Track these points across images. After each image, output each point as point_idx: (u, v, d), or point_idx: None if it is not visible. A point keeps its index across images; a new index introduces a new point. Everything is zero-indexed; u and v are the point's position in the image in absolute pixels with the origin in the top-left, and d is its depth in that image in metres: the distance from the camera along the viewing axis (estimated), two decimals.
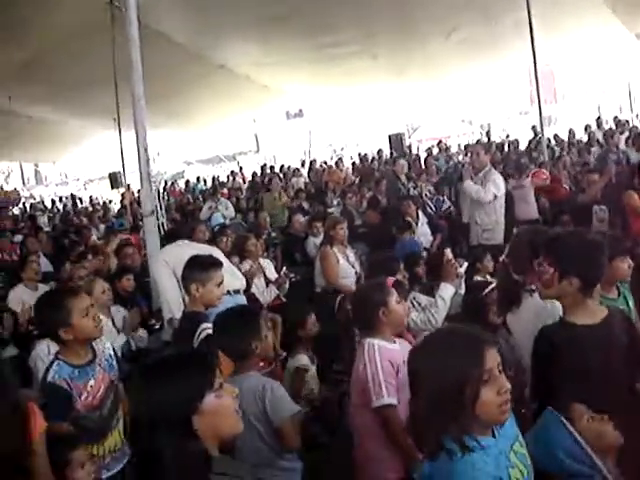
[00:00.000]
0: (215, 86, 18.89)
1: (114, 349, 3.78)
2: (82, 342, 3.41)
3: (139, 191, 22.40)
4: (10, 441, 2.62)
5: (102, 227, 15.37)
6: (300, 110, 33.49)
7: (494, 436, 2.13)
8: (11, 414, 2.67)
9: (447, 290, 4.69)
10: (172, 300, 5.57)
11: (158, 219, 6.65)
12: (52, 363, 3.38)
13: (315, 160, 22.82)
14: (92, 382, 3.38)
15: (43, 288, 7.31)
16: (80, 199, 28.32)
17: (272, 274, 7.29)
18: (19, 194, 26.19)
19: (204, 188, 22.79)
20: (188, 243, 5.99)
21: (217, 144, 31.53)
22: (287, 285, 7.22)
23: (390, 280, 3.84)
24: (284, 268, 7.33)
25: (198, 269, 4.19)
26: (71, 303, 3.32)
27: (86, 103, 21.15)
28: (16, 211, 26.30)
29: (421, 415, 2.11)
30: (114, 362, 3.62)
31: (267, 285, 7.06)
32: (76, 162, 33.94)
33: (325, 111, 30.14)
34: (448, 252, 4.91)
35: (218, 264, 4.30)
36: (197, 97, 19.34)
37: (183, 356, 2.20)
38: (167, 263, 5.67)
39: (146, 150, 6.42)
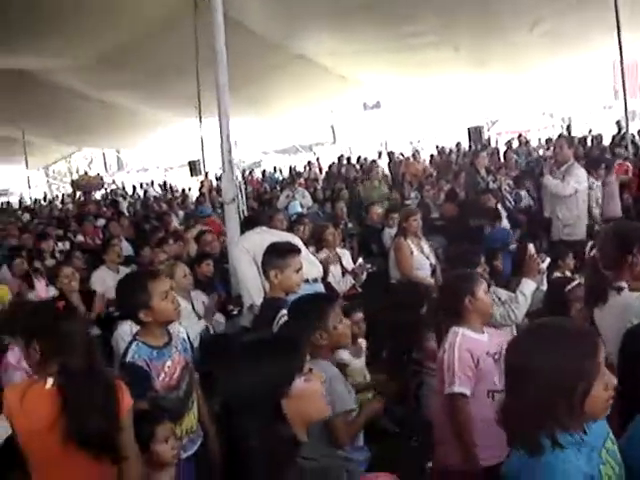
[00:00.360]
0: (293, 76, 18.96)
1: (187, 334, 3.84)
2: (160, 324, 3.47)
3: (218, 179, 22.83)
4: (105, 417, 2.71)
5: (181, 214, 15.64)
6: (377, 102, 33.40)
7: (585, 432, 2.06)
8: (105, 391, 2.76)
9: (528, 286, 4.61)
10: (252, 287, 5.63)
11: (239, 206, 6.70)
12: (131, 343, 3.46)
13: (393, 152, 22.70)
14: (169, 363, 3.45)
15: (124, 271, 7.49)
16: (160, 186, 28.89)
17: (349, 263, 7.30)
18: (102, 179, 26.81)
19: (280, 177, 22.96)
20: (267, 230, 6.03)
21: (294, 134, 31.69)
22: (364, 276, 7.21)
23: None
24: (360, 259, 7.32)
25: (276, 256, 4.22)
26: (151, 286, 3.38)
27: (168, 91, 21.52)
28: (98, 196, 27.02)
29: (520, 410, 2.05)
30: (188, 346, 3.69)
31: (343, 275, 7.08)
32: (156, 149, 34.63)
33: (403, 103, 29.96)
34: (531, 247, 4.82)
35: (296, 250, 4.33)
36: (275, 86, 19.45)
37: (273, 340, 2.22)
38: (247, 250, 5.72)
39: (228, 137, 6.50)
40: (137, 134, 29.16)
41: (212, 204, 15.62)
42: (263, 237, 5.45)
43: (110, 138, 29.33)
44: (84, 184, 25.44)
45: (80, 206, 21.57)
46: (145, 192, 26.78)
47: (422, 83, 22.23)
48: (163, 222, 12.04)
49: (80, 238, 11.95)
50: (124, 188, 30.34)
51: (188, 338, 3.77)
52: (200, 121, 18.96)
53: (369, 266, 7.34)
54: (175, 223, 12.60)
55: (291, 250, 4.31)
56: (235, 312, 6.49)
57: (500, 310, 4.66)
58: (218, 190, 20.46)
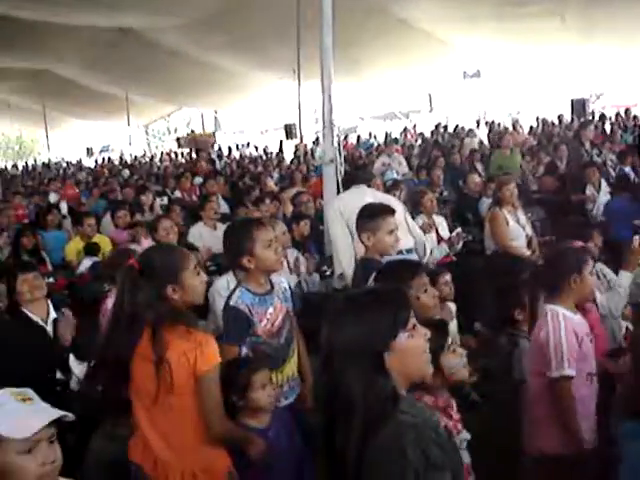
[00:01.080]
0: (393, 40, 18.75)
1: (289, 284, 3.88)
2: (263, 272, 3.53)
3: (314, 142, 22.89)
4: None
5: (276, 175, 15.79)
6: (477, 71, 32.64)
7: None
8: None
9: (626, 279, 4.46)
10: (343, 254, 5.59)
11: (337, 168, 6.70)
12: (235, 289, 3.55)
13: (494, 121, 22.26)
14: (271, 310, 3.51)
15: (221, 227, 7.63)
16: (256, 147, 29.18)
17: (445, 231, 7.21)
18: (214, 137, 27.03)
19: (375, 144, 22.82)
20: (364, 190, 5.94)
21: (391, 101, 31.36)
22: (459, 245, 7.11)
23: (578, 244, 3.71)
24: (459, 228, 7.21)
25: (368, 218, 4.20)
26: (256, 233, 3.44)
27: (267, 53, 21.65)
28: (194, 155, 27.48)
29: None
30: (289, 295, 3.74)
31: (439, 242, 7.00)
32: (253, 111, 34.92)
33: (503, 73, 29.20)
34: (636, 240, 4.60)
35: (389, 211, 4.28)
36: (374, 50, 19.28)
37: (380, 292, 2.21)
38: (341, 214, 5.66)
39: (330, 99, 6.49)
40: (235, 95, 29.49)
41: (307, 167, 15.69)
42: (359, 198, 5.38)
43: (208, 99, 29.79)
44: (196, 141, 25.76)
45: (192, 163, 21.93)
46: (241, 153, 27.09)
47: (524, 53, 21.65)
48: (259, 182, 12.16)
49: (178, 194, 12.20)
50: (220, 148, 30.79)
51: (290, 289, 3.81)
52: (299, 84, 19.05)
53: (465, 235, 7.23)
54: (271, 184, 12.71)
55: (383, 211, 4.27)
56: (328, 273, 6.52)
57: (602, 298, 4.51)
58: (313, 153, 20.66)
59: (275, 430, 3.26)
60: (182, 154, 28.74)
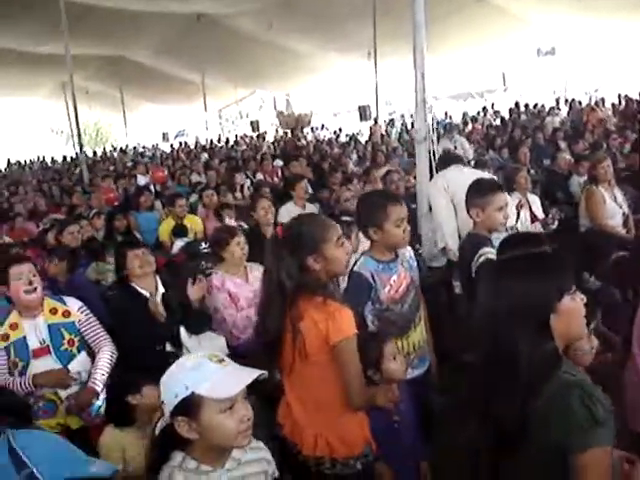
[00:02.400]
0: (467, 16, 18.52)
1: (413, 253, 3.90)
2: (387, 246, 3.59)
3: (388, 123, 22.75)
4: None
5: (354, 157, 15.76)
6: (552, 48, 31.88)
7: None
8: None
9: None
10: (448, 230, 5.61)
11: (430, 146, 6.64)
12: (360, 257, 3.61)
13: (574, 99, 21.75)
14: (394, 277, 3.56)
15: (310, 207, 7.73)
16: (327, 129, 29.16)
17: (538, 209, 7.09)
18: (310, 116, 27.05)
19: (451, 123, 22.54)
20: (465, 168, 5.95)
21: (464, 80, 30.95)
22: (554, 225, 6.98)
23: None
24: (554, 209, 7.08)
25: (477, 194, 4.17)
26: (390, 210, 3.49)
27: (341, 36, 21.64)
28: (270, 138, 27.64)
29: None
30: (414, 264, 3.76)
31: (532, 221, 6.88)
32: (325, 94, 34.89)
33: (579, 49, 28.44)
34: None
35: (498, 188, 4.27)
36: (448, 27, 19.01)
37: (546, 257, 2.24)
38: (446, 190, 5.68)
39: (423, 75, 6.42)
40: (306, 78, 29.59)
41: (386, 149, 15.60)
42: (464, 175, 5.37)
43: (281, 81, 29.96)
44: (295, 120, 25.84)
45: (286, 143, 22.10)
46: (316, 136, 27.09)
47: (603, 28, 21.03)
48: (340, 163, 12.18)
49: (260, 176, 12.33)
50: (293, 131, 30.87)
51: (415, 257, 3.83)
52: (375, 65, 19.00)
53: (559, 214, 7.10)
54: (351, 165, 12.72)
55: (493, 188, 4.24)
56: (420, 251, 6.49)
57: None
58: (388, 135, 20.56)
59: (405, 404, 3.28)
60: (251, 138, 28.89)
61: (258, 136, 27.69)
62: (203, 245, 7.04)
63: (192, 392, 2.08)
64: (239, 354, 4.48)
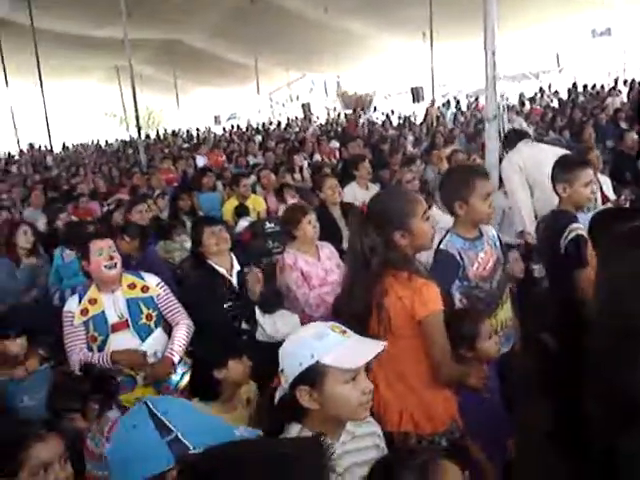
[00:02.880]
0: None
1: (497, 233, 3.85)
2: (472, 222, 3.53)
3: (440, 107, 22.52)
4: None
5: (410, 138, 15.64)
6: (608, 29, 31.25)
7: None
8: None
9: None
10: (526, 212, 5.47)
11: (500, 125, 6.54)
12: (445, 235, 3.56)
13: (635, 80, 21.25)
14: (482, 255, 3.51)
15: (372, 187, 7.67)
16: (384, 113, 28.96)
17: (609, 190, 6.93)
18: (372, 96, 26.90)
19: (508, 104, 22.24)
20: (541, 144, 5.81)
21: (519, 61, 30.50)
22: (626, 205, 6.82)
23: None
24: (627, 190, 6.91)
25: (563, 169, 4.09)
26: (476, 184, 3.43)
27: (395, 17, 21.45)
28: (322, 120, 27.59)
29: None
30: (497, 243, 3.71)
31: (604, 202, 6.74)
32: (376, 75, 34.67)
33: (636, 30, 27.81)
34: None
35: (584, 163, 4.19)
36: (503, 9, 18.65)
37: None
38: (521, 169, 5.55)
39: (494, 53, 6.33)
40: (359, 60, 29.44)
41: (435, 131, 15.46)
42: (540, 151, 5.26)
43: (333, 64, 29.83)
44: (352, 101, 25.79)
45: (348, 123, 22.09)
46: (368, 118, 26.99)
47: None
48: (399, 144, 12.10)
49: (317, 157, 12.32)
50: (346, 114, 30.77)
51: (499, 237, 3.78)
52: (431, 46, 18.80)
53: (630, 192, 6.93)
54: (409, 147, 12.62)
55: (580, 163, 4.17)
56: None
57: None
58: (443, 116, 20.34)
59: (492, 382, 3.24)
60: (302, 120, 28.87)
61: (305, 118, 27.72)
62: (268, 224, 7.07)
63: (317, 361, 2.06)
64: None
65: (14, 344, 4.14)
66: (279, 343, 4.13)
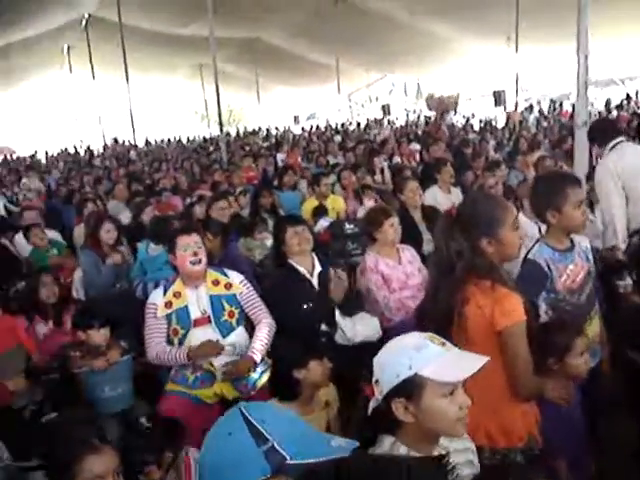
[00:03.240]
0: (608, 4, 17.71)
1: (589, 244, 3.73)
2: (564, 231, 3.44)
3: (526, 109, 22.08)
4: None
5: (492, 142, 15.39)
6: None
7: None
8: None
9: None
10: (620, 226, 5.24)
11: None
12: (535, 244, 3.48)
13: None
14: (571, 267, 3.41)
15: (454, 192, 7.60)
16: (464, 116, 28.66)
17: None
18: (458, 98, 26.75)
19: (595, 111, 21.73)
20: (635, 146, 5.51)
21: (604, 66, 29.71)
22: None
23: None
24: None
25: None
26: (569, 191, 3.35)
27: (480, 20, 21.18)
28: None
29: None
30: (589, 255, 3.61)
31: None
32: (456, 78, 34.26)
33: None
34: None
35: None
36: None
37: None
38: (618, 175, 5.25)
39: (586, 58, 6.15)
40: (440, 62, 29.17)
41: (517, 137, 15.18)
42: (634, 153, 5.00)
43: (414, 65, 29.68)
44: (443, 103, 25.68)
45: (435, 126, 21.99)
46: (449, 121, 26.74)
47: None
48: (481, 149, 11.91)
49: (397, 159, 12.23)
50: (419, 116, 30.54)
51: (591, 249, 3.67)
52: (516, 50, 18.47)
53: None
54: (491, 151, 12.42)
55: None
56: None
57: None
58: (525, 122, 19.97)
59: (575, 398, 3.13)
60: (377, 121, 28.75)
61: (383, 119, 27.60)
62: (347, 225, 7.05)
63: (415, 373, 2.01)
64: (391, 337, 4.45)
65: (97, 335, 4.23)
66: (356, 346, 4.14)
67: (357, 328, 4.49)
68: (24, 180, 14.62)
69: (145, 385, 4.49)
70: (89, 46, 26.72)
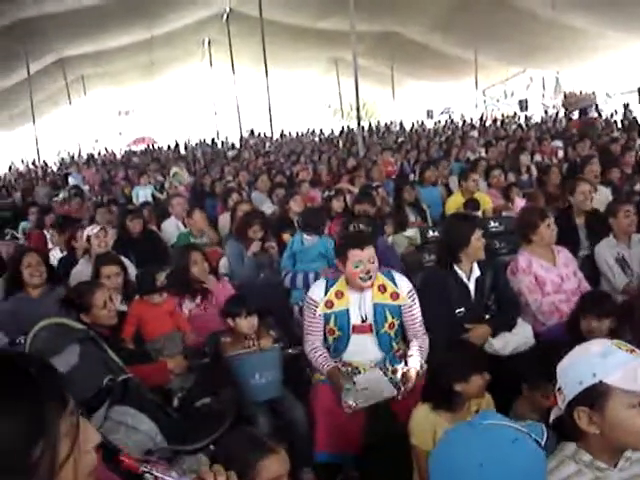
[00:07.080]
0: None
1: None
2: None
3: None
4: None
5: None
6: None
7: None
8: None
9: None
10: None
11: None
12: None
13: None
14: None
15: (601, 190, 7.44)
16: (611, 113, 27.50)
17: None
18: (594, 97, 26.00)
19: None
20: None
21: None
22: None
23: None
24: None
25: None
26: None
27: (625, 15, 20.34)
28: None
29: None
30: None
31: None
32: (598, 73, 32.92)
33: None
34: None
35: None
36: None
37: None
38: None
39: None
40: (581, 57, 28.09)
41: None
42: None
43: (555, 60, 28.70)
44: (576, 100, 25.00)
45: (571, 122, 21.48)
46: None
47: None
48: (628, 146, 11.39)
49: (538, 157, 11.89)
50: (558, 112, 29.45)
51: None
52: None
53: None
54: None
55: None
56: None
57: None
58: None
59: None
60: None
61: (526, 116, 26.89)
62: (492, 223, 6.91)
63: (599, 380, 1.90)
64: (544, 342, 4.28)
65: (245, 322, 4.23)
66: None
67: (507, 338, 4.31)
68: (175, 169, 15.02)
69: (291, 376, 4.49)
70: (229, 39, 27.37)
